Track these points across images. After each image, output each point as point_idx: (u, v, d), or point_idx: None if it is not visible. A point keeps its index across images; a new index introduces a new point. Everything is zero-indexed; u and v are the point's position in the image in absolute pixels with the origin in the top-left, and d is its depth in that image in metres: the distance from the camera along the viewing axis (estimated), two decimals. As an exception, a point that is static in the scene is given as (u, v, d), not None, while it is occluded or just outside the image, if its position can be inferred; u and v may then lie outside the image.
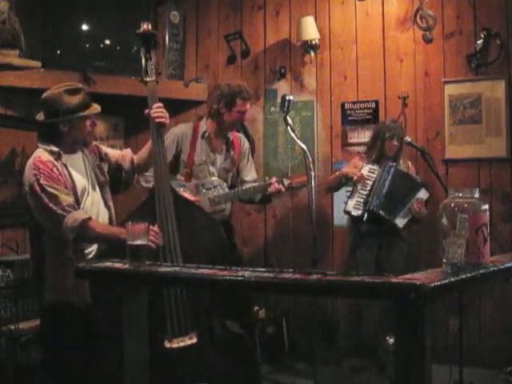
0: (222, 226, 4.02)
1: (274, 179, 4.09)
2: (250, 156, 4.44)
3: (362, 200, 4.44)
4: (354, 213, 4.45)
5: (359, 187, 4.46)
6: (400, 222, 4.41)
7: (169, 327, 3.02)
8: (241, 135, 4.43)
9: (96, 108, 3.13)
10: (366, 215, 4.39)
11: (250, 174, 4.34)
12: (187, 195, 3.92)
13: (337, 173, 4.65)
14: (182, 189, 4.00)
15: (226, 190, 4.17)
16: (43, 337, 3.25)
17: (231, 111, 4.09)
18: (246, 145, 4.40)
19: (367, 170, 4.49)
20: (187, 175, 4.15)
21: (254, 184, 4.22)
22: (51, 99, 3.03)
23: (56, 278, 3.02)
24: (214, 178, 4.17)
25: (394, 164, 4.49)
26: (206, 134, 4.17)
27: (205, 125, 4.21)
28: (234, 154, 4.27)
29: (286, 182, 4.08)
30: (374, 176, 4.45)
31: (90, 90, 3.32)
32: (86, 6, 4.91)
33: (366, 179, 4.45)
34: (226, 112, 4.10)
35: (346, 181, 4.56)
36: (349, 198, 4.52)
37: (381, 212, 4.38)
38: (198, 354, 3.04)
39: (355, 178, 4.46)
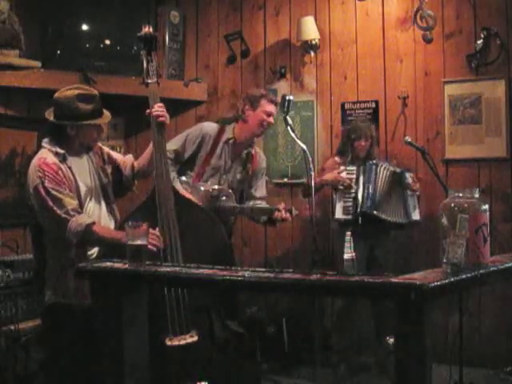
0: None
1: (283, 205, 3.94)
2: (264, 175, 4.33)
3: (349, 204, 4.40)
4: (345, 218, 4.40)
5: (344, 192, 4.43)
6: (416, 215, 4.44)
7: (170, 325, 3.03)
8: (262, 154, 4.35)
9: (107, 117, 3.12)
10: (360, 219, 4.34)
11: (260, 191, 4.24)
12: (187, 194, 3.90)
13: (318, 180, 4.41)
14: (189, 189, 3.94)
15: (234, 202, 4.05)
16: (44, 337, 3.25)
17: (256, 111, 4.01)
18: (264, 164, 4.30)
19: (345, 172, 4.47)
20: (199, 174, 4.10)
21: (262, 205, 4.12)
22: (64, 102, 3.01)
23: (57, 279, 3.02)
24: (224, 188, 4.09)
25: (374, 162, 4.48)
26: (231, 140, 4.06)
27: (231, 131, 4.09)
28: (251, 168, 4.18)
29: (294, 212, 3.93)
30: (354, 177, 4.43)
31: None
32: (86, 6, 4.91)
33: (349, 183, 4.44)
34: (252, 112, 4.02)
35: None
36: (336, 204, 4.44)
37: (375, 212, 4.36)
38: (198, 352, 3.05)
39: (346, 184, 4.41)
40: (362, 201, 4.36)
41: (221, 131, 4.12)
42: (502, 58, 4.62)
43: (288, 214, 3.91)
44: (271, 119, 4.09)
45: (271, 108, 4.06)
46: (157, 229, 3.02)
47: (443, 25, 4.80)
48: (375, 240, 4.49)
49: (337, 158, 4.64)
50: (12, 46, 4.41)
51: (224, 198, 3.99)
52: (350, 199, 4.41)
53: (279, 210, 3.89)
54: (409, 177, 4.46)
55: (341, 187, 4.43)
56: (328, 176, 4.52)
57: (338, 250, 4.43)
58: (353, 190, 4.41)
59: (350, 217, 4.39)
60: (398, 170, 4.52)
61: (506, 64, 4.63)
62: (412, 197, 4.46)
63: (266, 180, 4.31)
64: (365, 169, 4.42)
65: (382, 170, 4.45)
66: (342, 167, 4.48)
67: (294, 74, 5.28)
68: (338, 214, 4.43)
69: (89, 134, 3.07)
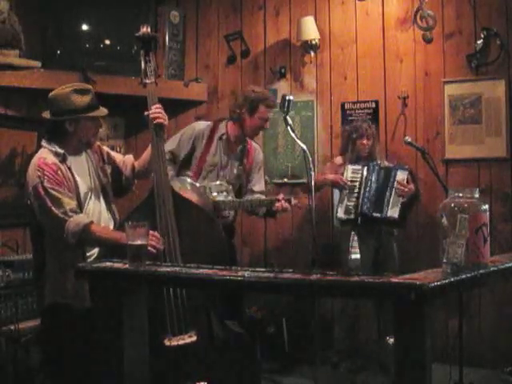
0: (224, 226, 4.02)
1: (281, 196, 3.99)
2: (262, 168, 4.35)
3: (352, 204, 4.45)
4: (346, 217, 4.46)
5: (347, 191, 4.47)
6: (393, 212, 4.41)
7: (168, 325, 3.03)
8: (257, 146, 4.35)
9: (103, 111, 3.12)
10: (359, 219, 4.41)
11: (258, 185, 4.26)
12: (188, 195, 3.90)
13: (321, 178, 4.53)
14: (189, 187, 3.95)
15: (233, 196, 4.09)
16: (43, 338, 3.25)
17: (253, 117, 4.02)
18: (261, 156, 4.31)
19: (351, 170, 4.50)
20: (196, 172, 4.11)
21: (261, 197, 4.14)
22: (59, 97, 3.02)
23: (57, 279, 3.01)
24: (222, 183, 4.10)
25: (378, 162, 4.49)
26: (224, 136, 4.10)
27: (224, 128, 4.13)
28: (247, 162, 4.20)
29: (294, 201, 3.98)
30: (359, 176, 4.46)
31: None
32: (86, 5, 4.91)
33: (353, 181, 4.46)
34: (248, 117, 4.02)
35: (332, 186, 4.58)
36: (338, 203, 4.52)
37: (374, 214, 4.40)
38: (197, 352, 3.05)
39: (341, 184, 4.47)
40: (363, 201, 4.40)
41: (214, 128, 4.14)
42: (502, 57, 4.62)
43: (287, 204, 3.95)
44: (267, 125, 4.11)
45: (269, 114, 4.06)
46: (156, 232, 3.01)
47: (443, 25, 4.81)
48: (379, 241, 4.51)
49: (339, 158, 4.66)
50: (12, 46, 4.41)
51: (224, 193, 4.02)
52: (353, 199, 4.44)
53: (278, 201, 3.94)
54: (400, 174, 4.44)
55: (345, 190, 4.46)
56: (330, 176, 4.53)
57: (341, 249, 4.49)
58: (356, 190, 4.44)
59: (351, 216, 4.44)
60: (391, 165, 4.54)
61: (506, 64, 4.63)
62: (395, 195, 4.41)
63: (265, 180, 4.31)
64: (368, 169, 4.43)
65: (382, 169, 4.46)
66: (349, 166, 4.50)
67: (294, 74, 5.28)
68: (340, 213, 4.49)
69: (87, 128, 3.07)
